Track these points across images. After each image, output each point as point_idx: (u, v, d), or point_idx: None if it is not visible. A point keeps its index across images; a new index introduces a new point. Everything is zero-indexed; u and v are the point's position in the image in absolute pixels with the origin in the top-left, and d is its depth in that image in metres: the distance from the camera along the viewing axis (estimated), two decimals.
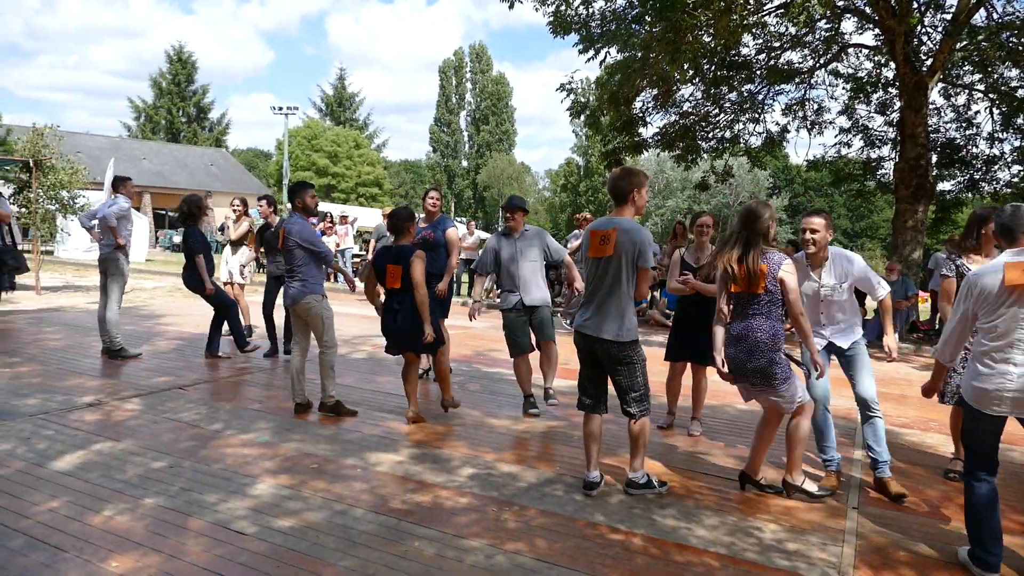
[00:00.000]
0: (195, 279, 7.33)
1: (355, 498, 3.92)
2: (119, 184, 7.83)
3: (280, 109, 35.61)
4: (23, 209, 13.26)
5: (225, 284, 8.86)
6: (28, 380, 6.20)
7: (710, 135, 15.13)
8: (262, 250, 8.53)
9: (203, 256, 7.27)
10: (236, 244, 8.84)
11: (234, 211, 8.86)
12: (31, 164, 12.23)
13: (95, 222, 7.57)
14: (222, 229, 9.34)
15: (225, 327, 7.68)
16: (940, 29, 12.80)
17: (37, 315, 9.98)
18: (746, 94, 14.63)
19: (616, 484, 4.28)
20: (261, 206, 8.26)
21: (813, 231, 4.36)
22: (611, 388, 4.19)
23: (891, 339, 4.75)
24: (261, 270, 18.33)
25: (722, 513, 3.96)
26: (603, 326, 4.00)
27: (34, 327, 8.98)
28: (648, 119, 14.46)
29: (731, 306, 4.05)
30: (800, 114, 15.36)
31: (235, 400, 5.94)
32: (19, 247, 9.22)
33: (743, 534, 3.68)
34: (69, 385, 6.11)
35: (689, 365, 5.59)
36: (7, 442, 4.55)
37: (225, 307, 7.61)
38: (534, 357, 5.93)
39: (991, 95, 13.94)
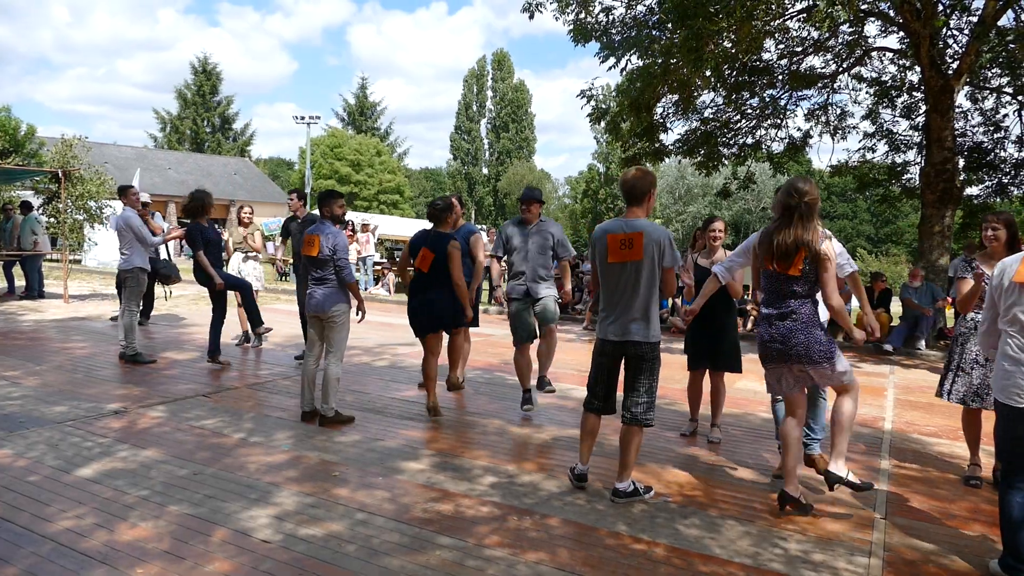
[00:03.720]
0: (203, 274, 7.45)
1: (377, 507, 3.92)
2: (121, 194, 7.97)
3: (302, 119, 35.90)
4: (52, 219, 13.51)
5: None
6: (55, 388, 6.29)
7: (731, 141, 15.00)
8: (284, 248, 8.67)
9: (203, 251, 7.33)
10: (249, 251, 8.95)
11: (242, 221, 9.00)
12: (60, 175, 12.47)
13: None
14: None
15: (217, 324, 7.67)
16: (966, 31, 12.60)
17: (65, 323, 10.14)
18: (768, 100, 14.50)
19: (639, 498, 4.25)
20: (292, 199, 8.31)
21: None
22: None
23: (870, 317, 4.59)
24: (285, 279, 18.56)
25: (746, 523, 3.91)
26: (634, 328, 4.03)
27: (62, 335, 9.13)
28: (669, 125, 14.39)
29: (763, 290, 4.06)
30: (823, 119, 15.17)
31: (258, 408, 5.98)
32: (170, 259, 9.63)
33: (768, 544, 3.63)
34: (95, 393, 6.20)
35: (707, 372, 5.57)
36: (35, 449, 4.62)
37: (241, 289, 7.86)
38: (534, 348, 6.14)
39: (1020, 97, 13.70)
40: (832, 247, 3.84)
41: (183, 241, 7.43)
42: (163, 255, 9.25)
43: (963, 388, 4.69)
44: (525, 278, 5.96)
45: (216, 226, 8.91)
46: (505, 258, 6.19)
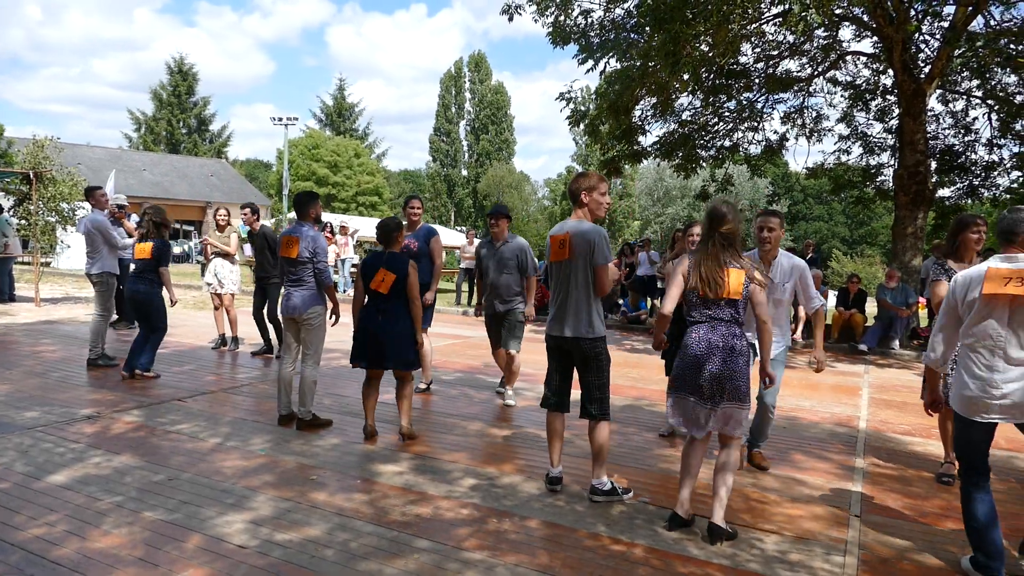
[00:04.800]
0: (138, 300, 6.97)
1: (355, 510, 3.89)
2: (88, 195, 7.84)
3: (280, 120, 35.62)
4: (23, 221, 13.26)
5: (214, 294, 8.87)
6: (27, 393, 6.18)
7: (709, 144, 15.13)
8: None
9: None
10: (227, 255, 8.87)
11: (219, 222, 8.91)
12: (31, 176, 12.25)
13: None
14: (189, 235, 9.40)
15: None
16: (938, 36, 12.81)
17: (36, 327, 9.96)
18: (745, 102, 14.63)
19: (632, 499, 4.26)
20: (245, 214, 8.29)
21: (770, 229, 4.53)
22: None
23: (819, 352, 4.71)
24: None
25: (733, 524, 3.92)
26: (573, 325, 4.11)
27: (32, 339, 8.96)
28: (647, 128, 14.47)
29: (693, 313, 3.78)
30: (799, 122, 15.35)
31: (234, 412, 5.92)
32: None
33: (746, 545, 3.65)
34: (67, 397, 6.09)
35: None
36: (4, 455, 4.53)
37: (162, 330, 7.17)
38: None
39: (989, 101, 13.94)
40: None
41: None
42: None
43: (945, 390, 4.74)
44: (495, 295, 6.37)
45: (193, 228, 8.80)
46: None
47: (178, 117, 51.61)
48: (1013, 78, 13.15)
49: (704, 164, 15.54)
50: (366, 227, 24.06)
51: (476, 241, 16.46)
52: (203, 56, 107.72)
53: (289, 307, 5.43)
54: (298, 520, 3.72)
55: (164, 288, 7.05)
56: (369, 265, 5.18)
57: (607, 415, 4.17)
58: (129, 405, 5.93)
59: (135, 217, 10.35)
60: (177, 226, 36.00)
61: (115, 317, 10.44)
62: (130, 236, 8.31)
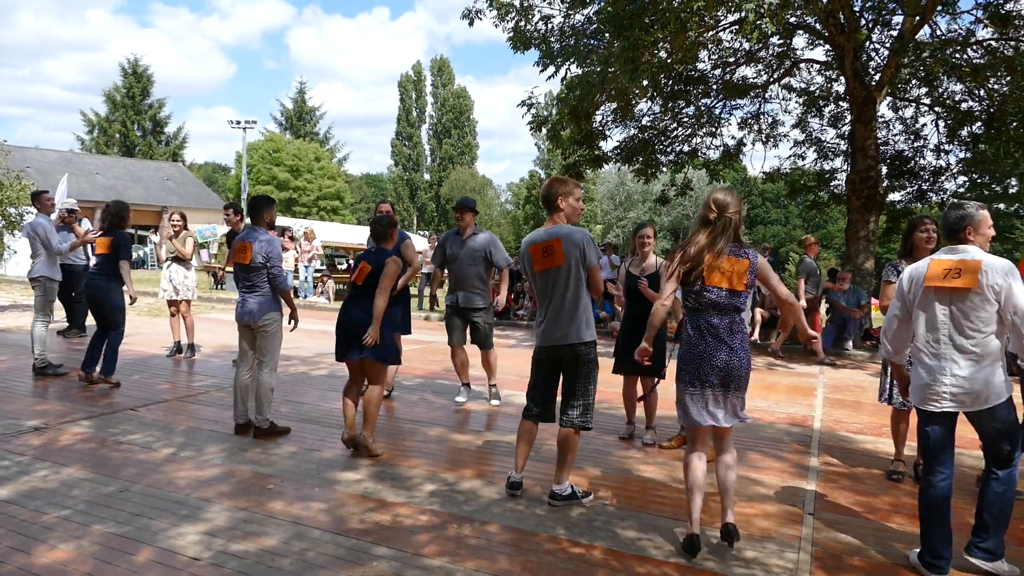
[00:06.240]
0: (97, 296, 6.83)
1: (313, 519, 3.84)
2: (34, 199, 7.64)
3: (238, 123, 35.04)
4: None
5: (170, 302, 8.69)
6: None
7: (669, 149, 15.32)
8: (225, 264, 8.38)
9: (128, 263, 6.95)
10: (182, 260, 8.70)
11: (173, 227, 8.72)
12: None
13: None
14: (145, 241, 9.21)
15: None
16: (887, 45, 13.18)
17: None
18: (703, 108, 14.86)
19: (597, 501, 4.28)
20: (228, 215, 8.09)
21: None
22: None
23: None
24: (221, 287, 18.03)
25: (681, 523, 3.97)
26: (569, 331, 4.07)
27: None
28: (608, 133, 14.62)
29: (692, 301, 3.66)
30: (755, 127, 15.65)
31: (189, 421, 5.80)
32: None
33: (702, 543, 3.70)
34: (13, 409, 5.90)
35: (639, 377, 5.64)
36: None
37: (119, 329, 7.04)
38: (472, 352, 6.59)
39: (936, 108, 14.40)
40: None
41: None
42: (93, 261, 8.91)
43: (890, 387, 4.90)
44: (459, 287, 6.32)
45: (151, 232, 8.62)
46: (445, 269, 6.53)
47: (132, 119, 50.34)
48: (959, 86, 13.60)
49: (664, 169, 15.74)
50: (327, 231, 23.82)
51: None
52: (161, 58, 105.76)
53: (244, 313, 5.34)
54: (254, 530, 3.66)
55: (124, 284, 6.91)
56: (357, 260, 5.30)
57: (588, 425, 4.14)
58: (78, 416, 5.77)
59: (87, 223, 10.09)
60: (132, 231, 35.15)
61: (65, 325, 10.16)
62: (82, 242, 8.10)
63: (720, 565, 3.46)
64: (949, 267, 3.36)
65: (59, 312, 9.69)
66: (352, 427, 5.05)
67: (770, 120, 15.87)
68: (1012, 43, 11.68)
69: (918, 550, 3.53)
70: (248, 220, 5.61)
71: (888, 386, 4.93)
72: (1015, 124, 12.25)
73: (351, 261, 19.54)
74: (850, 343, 11.68)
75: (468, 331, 6.58)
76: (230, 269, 9.10)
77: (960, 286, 3.31)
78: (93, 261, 7.20)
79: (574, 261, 4.04)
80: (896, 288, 3.61)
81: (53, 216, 7.83)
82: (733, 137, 16.37)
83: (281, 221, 22.22)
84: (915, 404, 3.52)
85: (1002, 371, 3.35)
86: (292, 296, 5.51)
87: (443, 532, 3.74)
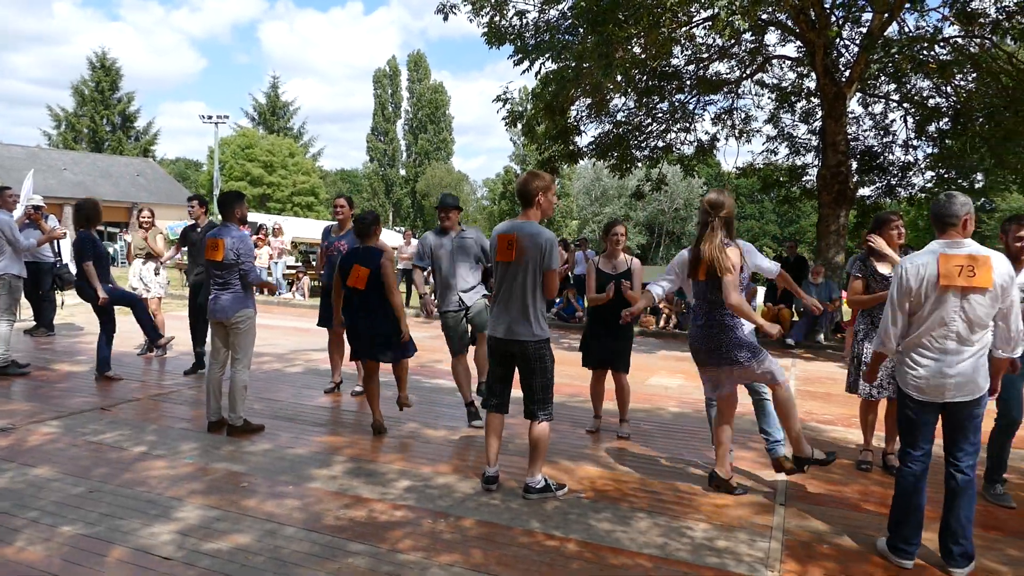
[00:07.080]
0: (89, 289, 6.93)
1: (287, 516, 3.83)
2: None
3: (210, 118, 34.60)
4: None
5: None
6: None
7: (643, 144, 15.41)
8: (183, 252, 8.28)
9: (92, 264, 6.88)
10: (151, 257, 8.59)
11: (142, 224, 8.62)
12: None
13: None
14: (115, 238, 9.10)
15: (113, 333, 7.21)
16: (857, 42, 13.38)
17: None
18: (677, 104, 14.97)
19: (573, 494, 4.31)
20: (193, 207, 7.98)
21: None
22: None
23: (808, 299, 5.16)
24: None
25: (655, 514, 4.03)
26: (517, 328, 4.11)
27: None
28: (583, 128, 14.66)
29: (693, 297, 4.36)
30: (729, 123, 15.81)
31: (161, 420, 5.73)
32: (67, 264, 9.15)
33: (675, 534, 3.75)
34: None
35: (609, 371, 5.67)
36: None
37: (132, 305, 7.42)
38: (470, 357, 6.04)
39: (905, 105, 14.65)
40: (732, 255, 4.05)
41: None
42: (64, 259, 8.78)
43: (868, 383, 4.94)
44: (456, 289, 5.82)
45: (121, 230, 8.48)
46: (430, 269, 6.05)
47: (101, 114, 49.38)
48: (926, 83, 13.85)
49: (639, 164, 15.84)
50: (302, 227, 23.59)
51: (413, 241, 16.36)
52: (129, 52, 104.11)
53: (216, 311, 5.29)
54: (227, 529, 3.64)
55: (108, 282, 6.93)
56: (346, 261, 5.34)
57: (550, 415, 4.20)
58: (47, 415, 5.67)
59: (53, 219, 9.90)
60: (102, 228, 34.56)
61: (33, 324, 9.98)
62: (48, 238, 7.94)
63: (693, 555, 3.51)
64: (961, 264, 3.30)
65: (27, 311, 9.50)
66: (378, 412, 5.49)
67: (743, 116, 16.05)
68: (977, 40, 11.91)
69: (886, 537, 3.60)
70: (220, 216, 5.54)
71: (855, 378, 4.98)
72: (980, 120, 12.50)
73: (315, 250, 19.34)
74: (822, 336, 11.85)
75: (470, 323, 6.08)
76: (166, 261, 8.98)
77: (978, 285, 3.28)
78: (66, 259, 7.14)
79: (531, 261, 4.04)
80: (897, 287, 3.48)
81: (17, 213, 7.66)
82: (707, 132, 16.61)
83: (254, 217, 21.96)
84: (917, 397, 3.46)
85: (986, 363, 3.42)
86: (260, 280, 5.62)
87: (418, 527, 3.75)
